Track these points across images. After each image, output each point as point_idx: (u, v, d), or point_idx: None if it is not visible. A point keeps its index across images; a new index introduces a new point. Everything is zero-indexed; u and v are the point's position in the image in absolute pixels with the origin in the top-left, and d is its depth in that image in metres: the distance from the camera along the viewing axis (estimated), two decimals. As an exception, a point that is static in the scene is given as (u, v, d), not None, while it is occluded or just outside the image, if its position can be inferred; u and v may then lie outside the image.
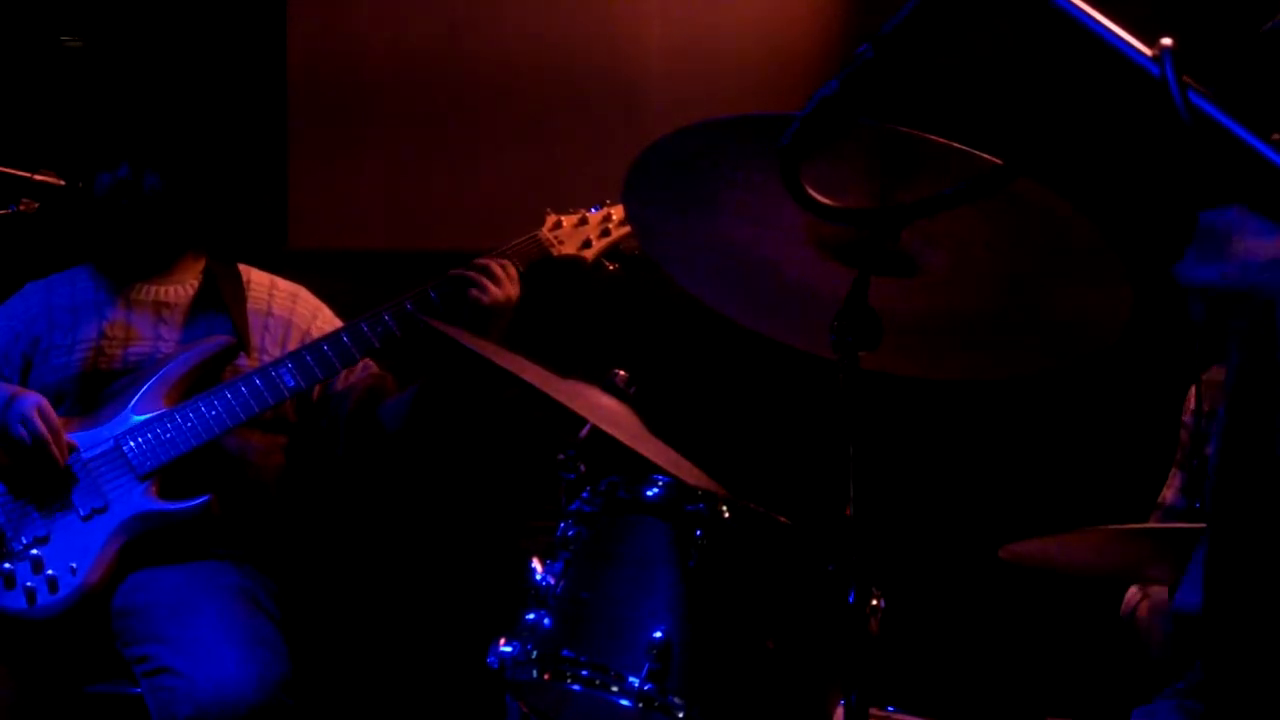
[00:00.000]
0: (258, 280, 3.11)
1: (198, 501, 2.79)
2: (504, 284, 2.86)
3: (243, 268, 3.11)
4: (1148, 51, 0.84)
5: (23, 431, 2.73)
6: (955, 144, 1.76)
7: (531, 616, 2.04)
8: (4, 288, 3.10)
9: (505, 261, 2.90)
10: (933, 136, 1.77)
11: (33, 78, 3.62)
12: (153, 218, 2.96)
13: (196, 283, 3.05)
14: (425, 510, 3.56)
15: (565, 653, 1.98)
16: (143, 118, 2.96)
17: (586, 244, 2.99)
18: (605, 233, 3.00)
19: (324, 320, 3.09)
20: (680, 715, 1.89)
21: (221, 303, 3.00)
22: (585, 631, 2.00)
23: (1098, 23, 0.85)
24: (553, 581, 2.05)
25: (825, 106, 0.97)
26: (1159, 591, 2.65)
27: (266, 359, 2.96)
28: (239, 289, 3.04)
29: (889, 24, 0.94)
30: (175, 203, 2.96)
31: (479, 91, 3.75)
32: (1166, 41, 0.83)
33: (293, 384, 2.84)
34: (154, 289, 3.02)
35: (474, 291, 2.84)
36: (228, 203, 3.03)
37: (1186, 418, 2.81)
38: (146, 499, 2.78)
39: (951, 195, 1.01)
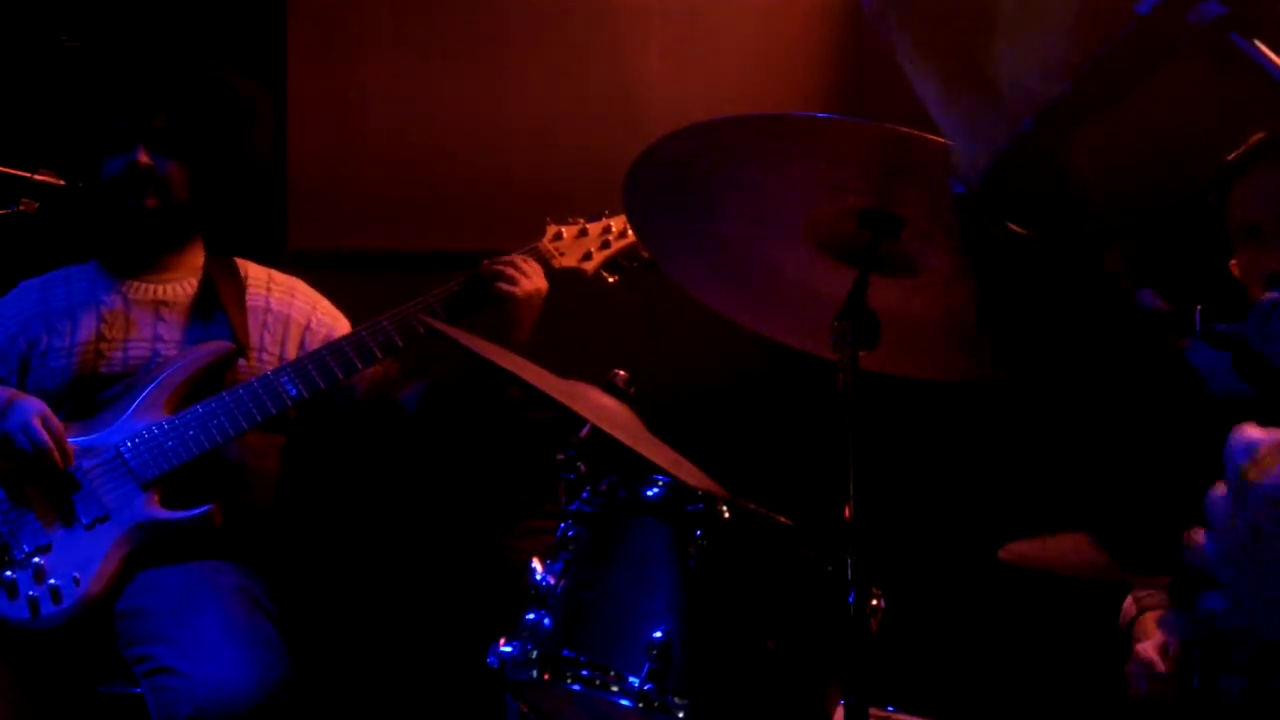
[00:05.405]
0: (255, 274, 3.10)
1: (200, 511, 2.78)
2: (532, 277, 2.90)
3: (239, 262, 3.10)
4: None
5: (24, 441, 2.73)
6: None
7: (531, 616, 2.04)
8: (4, 287, 3.09)
9: (527, 257, 2.93)
10: (932, 137, 1.77)
11: (33, 78, 3.62)
12: (157, 215, 2.95)
13: (196, 280, 3.04)
14: (425, 510, 3.56)
15: (565, 653, 1.98)
16: (145, 112, 2.95)
17: (587, 256, 3.00)
18: (605, 244, 3.01)
19: (323, 311, 3.09)
20: (680, 715, 1.89)
21: (221, 303, 2.99)
22: (585, 631, 2.00)
23: (1270, 60, 0.89)
24: (553, 581, 2.05)
25: (1020, 144, 0.98)
26: (1145, 649, 2.65)
27: (266, 356, 2.96)
28: (238, 287, 3.03)
29: (1087, 63, 0.94)
30: (179, 199, 2.96)
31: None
32: None
33: (295, 393, 2.84)
34: (153, 287, 3.01)
35: (503, 285, 2.87)
36: (229, 199, 3.02)
37: None
38: (149, 509, 2.77)
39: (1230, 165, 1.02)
